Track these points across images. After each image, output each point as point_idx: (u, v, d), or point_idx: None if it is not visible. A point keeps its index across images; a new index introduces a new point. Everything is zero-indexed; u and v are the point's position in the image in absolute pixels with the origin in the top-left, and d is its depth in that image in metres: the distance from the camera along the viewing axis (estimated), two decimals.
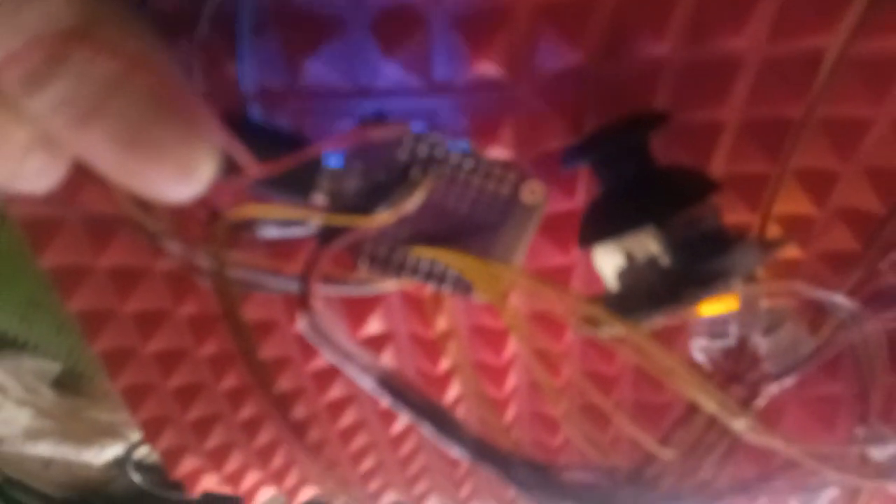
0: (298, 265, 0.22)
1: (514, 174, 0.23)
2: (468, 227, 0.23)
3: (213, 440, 0.44)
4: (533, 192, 0.23)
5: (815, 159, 0.32)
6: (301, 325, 0.21)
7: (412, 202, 0.22)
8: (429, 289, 0.23)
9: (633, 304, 0.26)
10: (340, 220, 0.22)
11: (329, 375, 0.41)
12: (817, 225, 0.34)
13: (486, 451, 0.22)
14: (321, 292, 0.21)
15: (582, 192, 0.32)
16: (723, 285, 0.25)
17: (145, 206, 0.26)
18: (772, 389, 0.30)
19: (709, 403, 0.25)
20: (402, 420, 0.44)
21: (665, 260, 0.26)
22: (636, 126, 0.27)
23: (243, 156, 0.19)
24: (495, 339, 0.38)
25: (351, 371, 0.22)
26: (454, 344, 0.33)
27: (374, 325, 0.37)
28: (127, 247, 0.35)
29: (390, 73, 0.28)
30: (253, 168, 0.20)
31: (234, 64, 0.26)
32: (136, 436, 0.63)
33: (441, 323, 0.29)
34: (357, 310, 0.36)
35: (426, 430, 0.22)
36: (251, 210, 0.22)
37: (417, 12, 0.27)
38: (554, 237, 0.33)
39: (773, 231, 0.31)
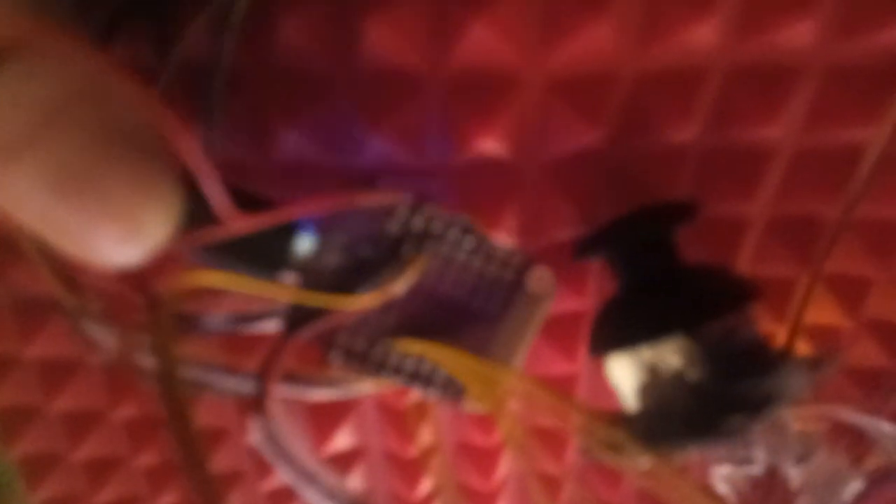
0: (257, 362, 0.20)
1: (519, 258, 0.21)
2: (463, 318, 0.21)
3: None
4: (541, 279, 0.22)
5: (847, 264, 0.31)
6: (254, 434, 0.19)
7: (401, 284, 0.20)
8: (412, 394, 0.21)
9: (659, 428, 0.24)
10: (315, 299, 0.20)
11: (286, 497, 0.38)
12: (845, 337, 0.33)
13: None
14: (282, 394, 0.19)
15: (592, 291, 0.31)
16: (771, 410, 0.23)
17: (71, 282, 0.23)
18: None
19: None
20: None
21: (697, 377, 0.23)
22: (663, 217, 0.26)
23: (221, 202, 0.17)
24: (485, 458, 0.36)
25: (311, 495, 0.19)
26: (437, 462, 0.30)
27: (342, 439, 0.35)
28: (59, 336, 0.33)
29: (377, 147, 0.26)
30: (232, 219, 0.17)
31: (198, 128, 0.24)
32: None
33: (423, 438, 0.27)
34: (324, 420, 0.34)
35: None
36: (208, 278, 0.19)
37: (412, 79, 0.25)
38: (557, 341, 0.31)
39: (801, 345, 0.30)
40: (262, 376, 0.19)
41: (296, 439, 0.19)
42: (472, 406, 0.21)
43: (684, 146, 0.27)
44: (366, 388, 0.22)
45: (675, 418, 0.24)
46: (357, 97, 0.26)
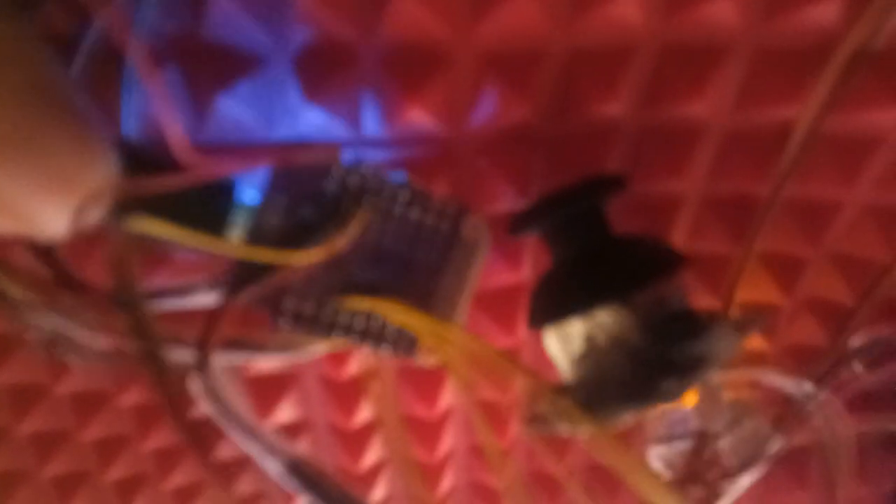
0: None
1: (453, 207, 0.22)
2: (405, 271, 0.22)
3: None
4: (475, 226, 0.22)
5: (781, 242, 0.32)
6: (194, 387, 0.19)
7: (345, 238, 0.21)
8: (353, 365, 0.22)
9: (597, 395, 0.25)
10: (259, 254, 0.20)
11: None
12: (784, 314, 0.34)
13: None
14: (231, 360, 0.20)
15: (529, 264, 0.31)
16: (703, 372, 0.23)
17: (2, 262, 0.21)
18: (735, 489, 0.29)
19: None
20: None
21: (632, 344, 0.24)
22: (594, 190, 0.26)
23: (182, 145, 0.17)
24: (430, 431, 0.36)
25: (252, 450, 0.20)
26: (378, 387, 0.30)
27: (286, 412, 0.35)
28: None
29: (313, 118, 0.27)
30: (189, 164, 0.18)
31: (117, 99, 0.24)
32: None
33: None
34: (267, 392, 0.34)
35: None
36: (155, 226, 0.19)
37: (347, 50, 0.26)
38: (498, 314, 0.32)
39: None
40: (207, 330, 0.20)
41: (238, 399, 0.20)
42: (424, 359, 0.22)
43: (616, 122, 0.28)
44: (317, 349, 0.22)
45: (611, 384, 0.24)
46: (292, 69, 0.26)
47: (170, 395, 0.18)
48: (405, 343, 0.22)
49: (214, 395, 0.19)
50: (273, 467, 0.20)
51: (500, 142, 0.28)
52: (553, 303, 0.26)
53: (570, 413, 0.24)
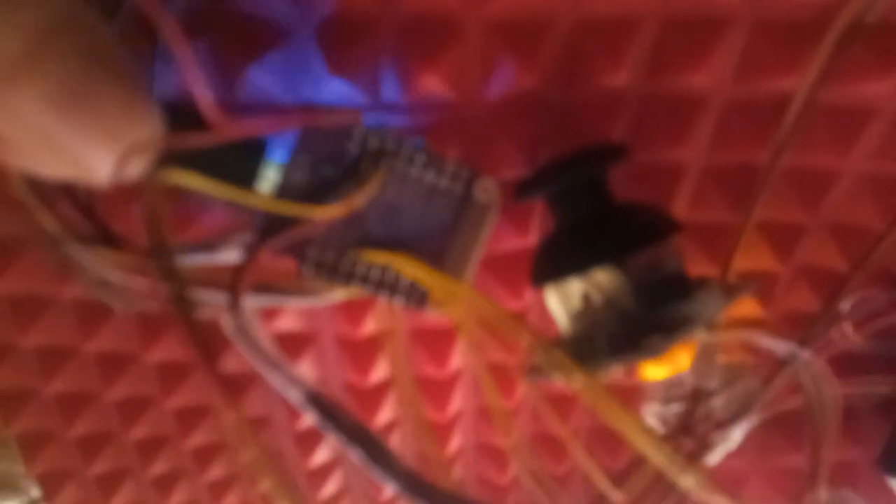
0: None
1: (467, 171, 0.24)
2: (420, 229, 0.24)
3: (121, 499, 0.42)
4: (486, 189, 0.24)
5: (779, 211, 0.33)
6: (227, 325, 0.21)
7: (363, 196, 0.23)
8: (379, 304, 0.23)
9: (588, 349, 0.26)
10: (286, 208, 0.22)
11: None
12: (780, 282, 0.35)
13: (421, 488, 0.22)
14: (257, 303, 0.21)
15: (535, 229, 0.33)
16: (686, 331, 0.25)
17: (52, 206, 0.23)
18: (725, 442, 0.31)
19: (657, 458, 0.26)
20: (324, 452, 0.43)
21: (624, 303, 0.26)
22: (594, 159, 0.28)
23: (209, 105, 0.19)
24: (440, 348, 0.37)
25: (277, 382, 0.22)
26: (392, 348, 0.32)
27: (302, 371, 0.37)
28: (28, 273, 0.34)
29: (336, 87, 0.28)
30: (221, 124, 0.19)
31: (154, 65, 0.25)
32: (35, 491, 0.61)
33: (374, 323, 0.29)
34: (284, 352, 0.35)
35: (356, 457, 0.22)
36: (187, 178, 0.21)
37: (366, 22, 0.27)
38: (506, 278, 0.33)
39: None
40: (237, 275, 0.21)
41: (261, 333, 0.22)
42: (434, 310, 0.24)
43: (620, 92, 0.29)
44: (336, 296, 0.24)
45: (603, 339, 0.26)
46: (318, 38, 0.28)
47: (199, 339, 0.20)
48: (417, 296, 0.24)
49: (245, 333, 0.21)
50: (293, 395, 0.22)
51: (508, 109, 0.29)
52: (554, 263, 0.28)
53: (562, 363, 0.26)
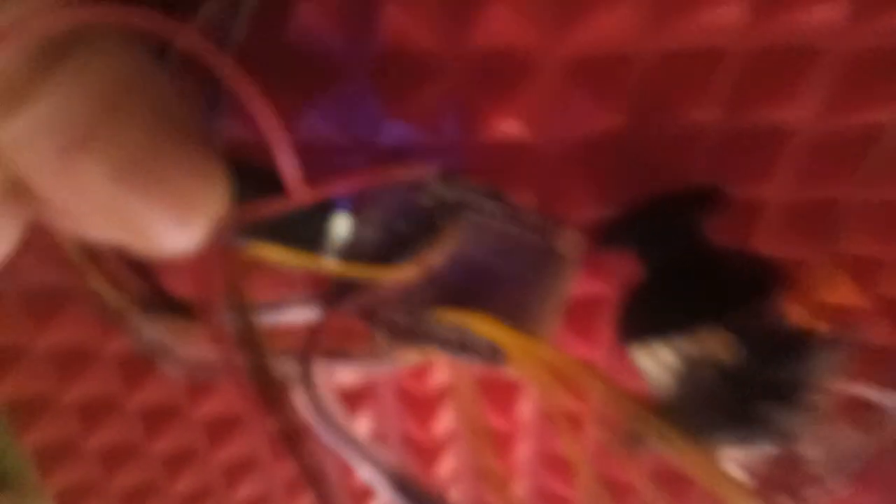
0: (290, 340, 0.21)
1: (548, 222, 0.22)
2: (498, 284, 0.22)
3: None
4: (569, 242, 0.23)
5: (860, 246, 0.32)
6: (302, 406, 0.20)
7: (440, 253, 0.21)
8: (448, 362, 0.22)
9: (696, 416, 0.24)
10: (358, 270, 0.21)
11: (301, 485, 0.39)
12: (861, 318, 0.34)
13: None
14: (327, 369, 0.20)
15: (611, 274, 0.31)
16: (804, 396, 0.23)
17: (115, 280, 0.22)
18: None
19: None
20: None
21: (730, 363, 0.24)
22: (694, 202, 0.26)
23: (292, 171, 0.18)
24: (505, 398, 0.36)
25: (357, 463, 0.20)
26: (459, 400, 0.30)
27: (361, 425, 0.36)
28: (73, 324, 0.33)
29: (395, 127, 0.27)
30: (299, 190, 0.18)
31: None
32: None
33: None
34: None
35: None
36: (265, 251, 0.19)
37: (430, 59, 0.26)
38: (576, 325, 0.32)
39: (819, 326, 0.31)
40: (307, 348, 0.20)
41: (340, 411, 0.20)
42: (514, 372, 0.22)
43: (703, 127, 0.28)
44: (409, 359, 0.23)
45: (709, 406, 0.24)
46: (375, 78, 0.26)
47: (276, 406, 0.19)
48: (494, 355, 0.22)
49: (318, 405, 0.20)
50: (376, 479, 0.20)
51: (585, 149, 0.28)
52: (649, 318, 0.26)
53: (667, 434, 0.24)
